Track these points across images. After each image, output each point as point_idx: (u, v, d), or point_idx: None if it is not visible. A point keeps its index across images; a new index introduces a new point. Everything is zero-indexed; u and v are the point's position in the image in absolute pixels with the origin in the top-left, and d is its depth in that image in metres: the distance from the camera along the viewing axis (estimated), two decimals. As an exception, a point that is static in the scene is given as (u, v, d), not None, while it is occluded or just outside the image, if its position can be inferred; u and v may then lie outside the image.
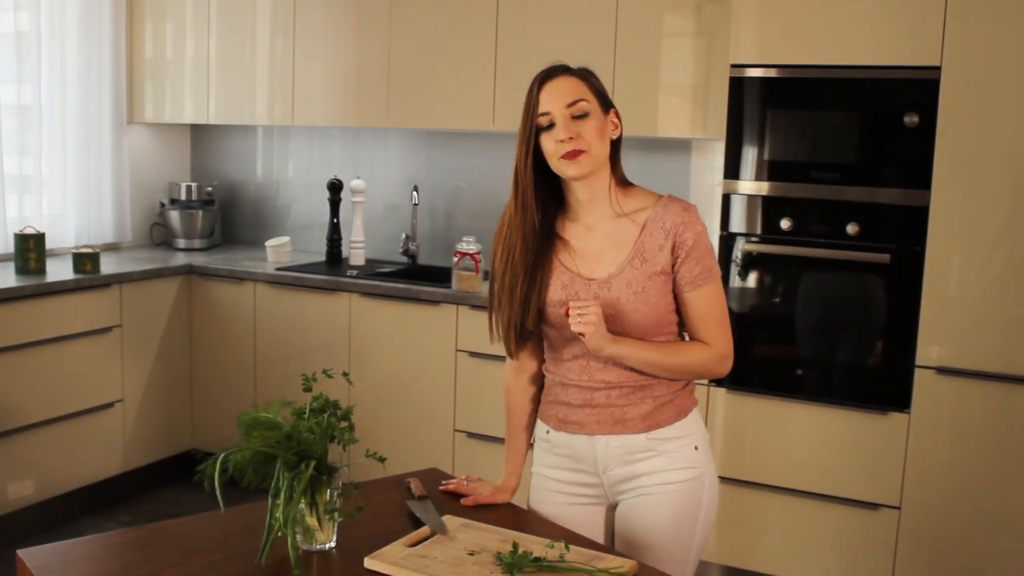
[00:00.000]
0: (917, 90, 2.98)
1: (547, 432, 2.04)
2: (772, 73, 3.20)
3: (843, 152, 3.13)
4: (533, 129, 1.88)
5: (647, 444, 1.93)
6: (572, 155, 1.87)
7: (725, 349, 1.94)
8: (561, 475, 2.03)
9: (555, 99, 1.87)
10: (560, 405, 2.00)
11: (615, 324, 1.89)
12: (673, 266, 1.90)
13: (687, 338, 1.99)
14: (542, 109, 1.87)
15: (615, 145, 1.94)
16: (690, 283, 1.91)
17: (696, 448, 1.96)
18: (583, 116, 1.87)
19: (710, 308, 1.92)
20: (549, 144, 1.88)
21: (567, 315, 1.84)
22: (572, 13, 3.65)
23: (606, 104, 1.92)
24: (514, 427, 2.11)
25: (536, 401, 2.09)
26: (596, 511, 2.04)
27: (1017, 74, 2.87)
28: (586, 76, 1.92)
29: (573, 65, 1.94)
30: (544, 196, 1.95)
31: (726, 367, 1.96)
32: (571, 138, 1.85)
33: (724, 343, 1.94)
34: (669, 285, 1.92)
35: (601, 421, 1.95)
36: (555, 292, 1.94)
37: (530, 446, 2.12)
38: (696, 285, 1.91)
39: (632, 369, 1.92)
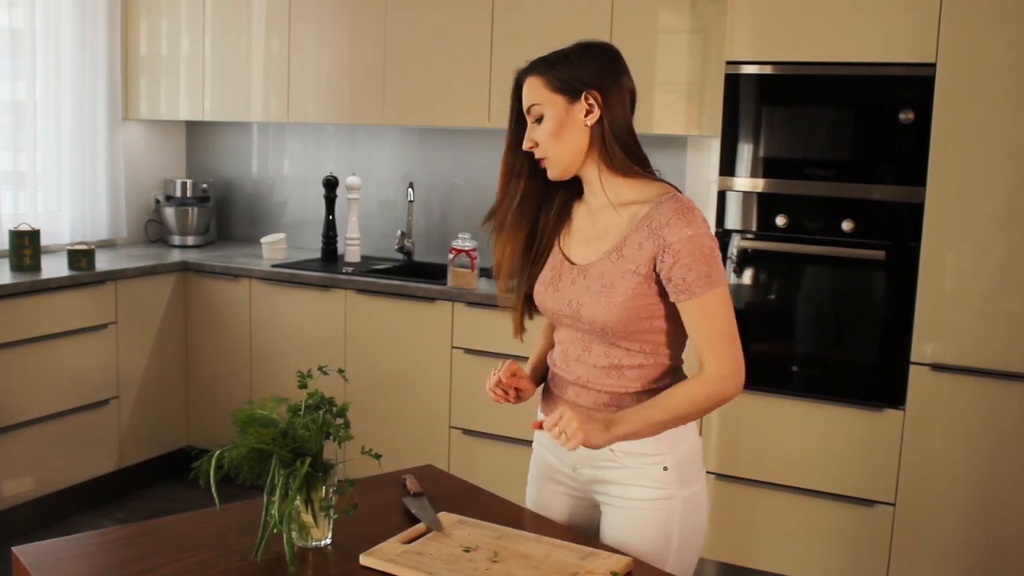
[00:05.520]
0: (912, 87, 2.99)
1: (540, 415, 2.02)
2: (767, 70, 3.20)
3: (838, 149, 3.14)
4: (517, 123, 1.86)
5: (609, 455, 1.81)
6: (540, 163, 1.83)
7: (721, 368, 1.71)
8: (551, 459, 1.98)
9: (524, 103, 1.82)
10: (549, 391, 1.98)
11: (579, 318, 1.81)
12: (655, 269, 1.74)
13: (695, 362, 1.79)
14: (523, 107, 1.83)
15: (599, 130, 1.81)
16: (683, 291, 1.71)
17: (665, 469, 1.79)
18: (538, 121, 1.80)
19: (709, 321, 1.71)
20: None
21: (540, 429, 1.77)
22: (567, 9, 3.65)
23: (574, 92, 1.77)
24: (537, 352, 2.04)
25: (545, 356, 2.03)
26: (581, 504, 1.96)
27: (1012, 70, 2.88)
28: (546, 69, 1.79)
29: (562, 45, 1.84)
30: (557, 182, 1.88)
31: (730, 386, 1.72)
32: (530, 148, 1.81)
33: (721, 361, 1.71)
34: (645, 288, 1.75)
35: None
36: (545, 272, 1.90)
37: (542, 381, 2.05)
38: (691, 293, 1.70)
39: (602, 368, 1.83)
